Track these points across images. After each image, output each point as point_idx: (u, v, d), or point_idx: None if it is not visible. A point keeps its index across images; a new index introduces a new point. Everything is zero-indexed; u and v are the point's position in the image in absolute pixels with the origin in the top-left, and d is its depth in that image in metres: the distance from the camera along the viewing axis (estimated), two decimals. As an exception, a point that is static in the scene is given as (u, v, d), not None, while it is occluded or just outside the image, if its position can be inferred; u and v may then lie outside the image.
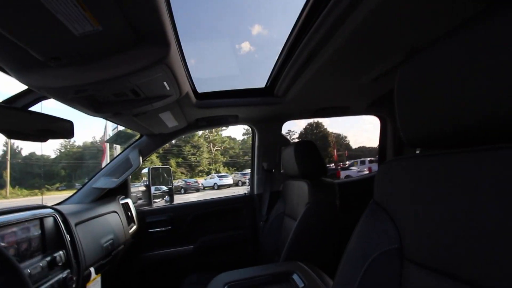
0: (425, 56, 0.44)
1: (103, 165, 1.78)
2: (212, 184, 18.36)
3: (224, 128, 28.88)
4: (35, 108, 0.87)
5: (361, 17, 0.72)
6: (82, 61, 0.65)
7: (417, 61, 0.45)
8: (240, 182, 19.03)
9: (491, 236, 0.34)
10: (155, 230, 1.73)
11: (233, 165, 28.89)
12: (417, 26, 0.80)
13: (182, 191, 16.77)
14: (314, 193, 1.27)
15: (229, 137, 30.77)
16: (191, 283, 1.46)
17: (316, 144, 1.41)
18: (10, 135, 0.73)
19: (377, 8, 0.68)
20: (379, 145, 2.07)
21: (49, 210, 0.96)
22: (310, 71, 1.11)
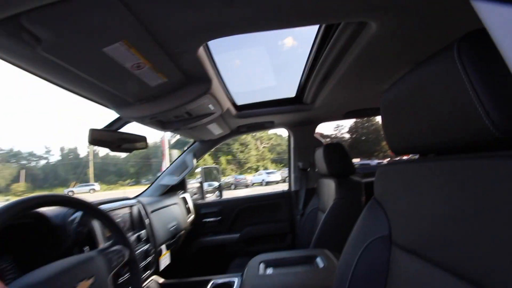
0: (399, 84, 0.56)
1: (164, 163, 2.18)
2: (261, 181, 18.83)
3: (270, 125, 29.08)
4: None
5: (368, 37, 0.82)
6: (154, 99, 0.96)
7: (394, 88, 0.58)
8: (287, 178, 19.03)
9: (462, 227, 0.40)
10: (207, 220, 2.07)
11: (281, 161, 29.09)
12: (421, 43, 0.89)
13: (232, 187, 17.69)
14: (341, 190, 1.41)
15: (275, 134, 31.01)
16: (236, 265, 1.74)
17: (344, 146, 1.54)
18: (113, 149, 1.09)
19: (381, 31, 0.78)
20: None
21: (135, 201, 1.33)
22: (333, 80, 1.23)
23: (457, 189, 0.41)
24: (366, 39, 0.83)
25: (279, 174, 19.61)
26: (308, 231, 1.76)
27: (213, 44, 0.97)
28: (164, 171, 1.97)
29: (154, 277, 1.38)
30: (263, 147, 29.33)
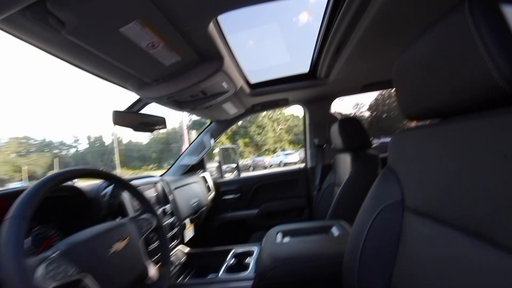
0: (411, 47, 0.55)
1: (183, 147, 2.26)
2: (278, 162, 18.92)
3: (287, 106, 28.70)
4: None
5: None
6: (170, 79, 1.00)
7: (406, 51, 0.57)
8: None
9: (476, 185, 0.40)
10: (227, 197, 2.16)
11: (298, 142, 28.85)
12: (436, 4, 0.84)
13: (251, 169, 17.98)
14: (357, 163, 1.41)
15: (292, 115, 30.55)
16: (256, 238, 1.83)
17: (360, 120, 1.52)
18: (135, 129, 1.15)
19: None
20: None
21: (159, 178, 1.42)
22: (347, 51, 1.20)
23: (469, 148, 0.42)
24: (379, 3, 0.80)
25: (296, 155, 19.46)
26: (325, 205, 1.79)
27: (225, 22, 0.98)
28: (184, 152, 2.05)
29: (180, 246, 1.50)
30: (280, 128, 29.16)
